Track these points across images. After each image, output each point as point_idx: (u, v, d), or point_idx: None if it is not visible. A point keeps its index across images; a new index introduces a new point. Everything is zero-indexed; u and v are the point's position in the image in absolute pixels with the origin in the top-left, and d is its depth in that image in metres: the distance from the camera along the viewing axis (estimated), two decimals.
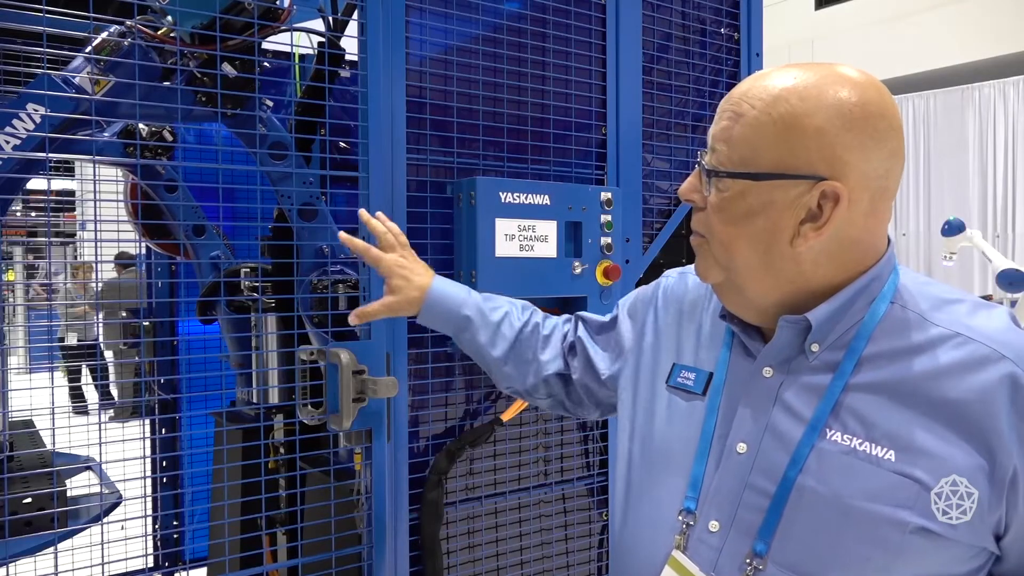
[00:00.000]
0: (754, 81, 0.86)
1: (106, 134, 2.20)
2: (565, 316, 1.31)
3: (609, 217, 1.70)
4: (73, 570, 1.40)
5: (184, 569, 2.77)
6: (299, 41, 1.99)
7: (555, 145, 1.80)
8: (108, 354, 5.55)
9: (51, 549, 1.43)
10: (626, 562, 1.00)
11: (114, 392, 5.35)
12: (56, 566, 1.31)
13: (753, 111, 0.83)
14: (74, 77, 1.58)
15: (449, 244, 1.64)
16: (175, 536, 2.79)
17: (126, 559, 1.54)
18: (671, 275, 1.15)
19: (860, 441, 0.81)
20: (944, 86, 8.62)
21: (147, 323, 2.90)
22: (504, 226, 1.56)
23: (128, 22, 1.61)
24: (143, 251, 2.98)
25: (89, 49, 1.61)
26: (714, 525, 0.88)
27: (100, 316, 4.41)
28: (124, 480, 1.71)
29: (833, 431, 0.82)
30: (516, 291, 1.45)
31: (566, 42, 1.81)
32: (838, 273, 0.86)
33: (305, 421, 1.52)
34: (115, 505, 1.84)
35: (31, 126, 1.49)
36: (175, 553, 2.83)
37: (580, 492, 1.89)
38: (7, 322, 2.97)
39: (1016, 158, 8.14)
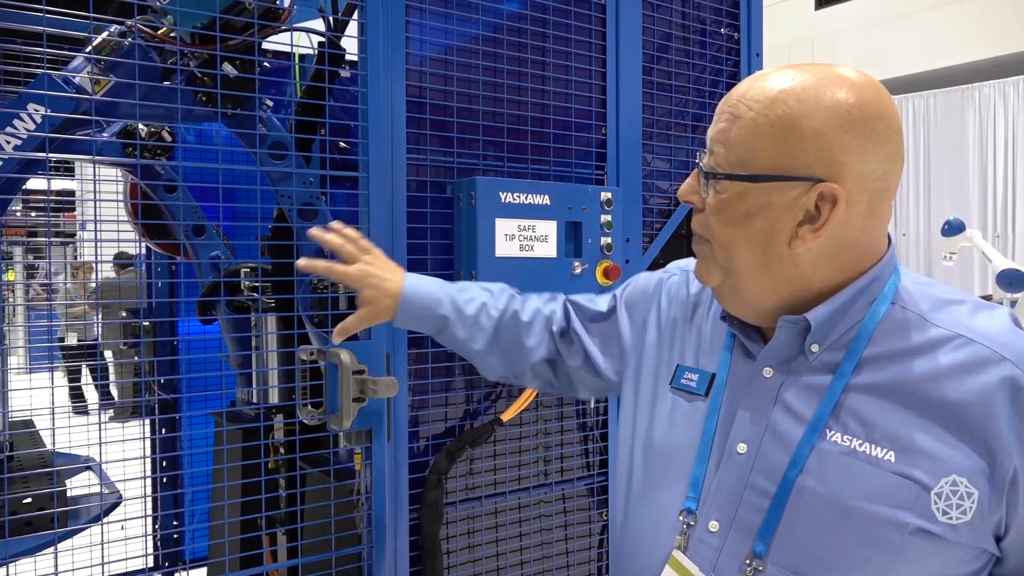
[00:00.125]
0: (752, 82, 0.86)
1: (105, 134, 2.20)
2: (547, 295, 1.27)
3: (609, 217, 1.70)
4: (73, 570, 1.40)
5: (184, 569, 2.77)
6: (299, 41, 1.99)
7: (555, 145, 1.80)
8: (108, 354, 5.54)
9: (51, 549, 1.43)
10: (627, 562, 1.00)
11: (114, 392, 5.35)
12: (56, 566, 1.32)
13: (751, 113, 0.83)
14: (74, 77, 1.58)
15: (449, 244, 1.65)
16: (175, 536, 2.79)
17: (126, 559, 1.54)
18: (674, 272, 1.14)
19: (860, 442, 0.81)
20: (944, 86, 8.63)
21: (147, 323, 2.90)
22: (504, 226, 1.56)
23: (128, 22, 1.61)
24: (143, 251, 2.98)
25: (89, 49, 1.61)
26: (714, 525, 0.88)
27: (99, 316, 4.40)
28: (124, 480, 1.71)
29: (833, 432, 0.82)
30: None
31: (566, 42, 1.81)
32: (837, 274, 0.85)
33: (305, 421, 1.52)
34: (115, 505, 1.84)
35: (32, 126, 1.49)
36: (175, 553, 2.83)
37: (580, 492, 1.89)
38: (7, 322, 2.97)
39: (1016, 158, 8.14)
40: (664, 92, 1.98)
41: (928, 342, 0.82)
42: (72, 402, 6.24)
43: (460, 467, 1.68)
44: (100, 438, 1.39)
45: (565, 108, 1.81)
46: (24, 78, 2.20)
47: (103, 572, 1.37)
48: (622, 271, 1.72)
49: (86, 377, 6.17)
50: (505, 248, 1.58)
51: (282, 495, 2.03)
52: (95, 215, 1.53)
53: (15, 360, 3.82)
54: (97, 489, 1.89)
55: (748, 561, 0.84)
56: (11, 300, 4.54)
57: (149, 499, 2.53)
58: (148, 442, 2.74)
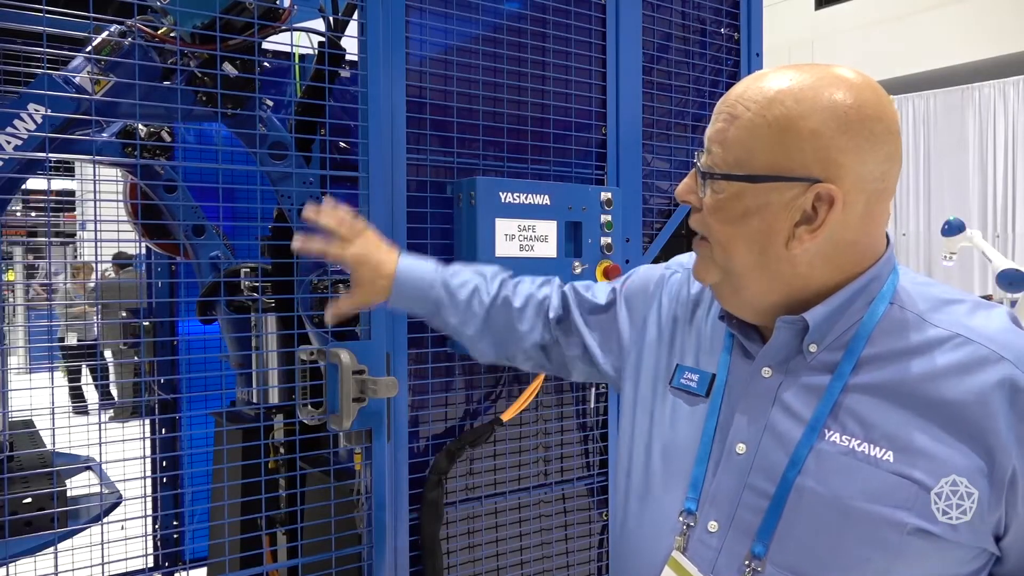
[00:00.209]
0: (750, 83, 0.86)
1: (105, 134, 2.20)
2: (540, 279, 1.27)
3: (609, 217, 1.70)
4: (73, 570, 1.40)
5: (184, 569, 2.77)
6: (299, 41, 1.99)
7: (555, 145, 1.80)
8: (107, 354, 5.54)
9: (51, 549, 1.43)
10: (627, 562, 1.00)
11: (114, 392, 5.35)
12: (56, 566, 1.31)
13: (748, 113, 0.83)
14: (74, 77, 1.58)
15: (449, 244, 1.65)
16: (175, 536, 2.79)
17: (126, 559, 1.54)
18: (676, 269, 1.14)
19: (859, 442, 0.81)
20: (944, 86, 8.63)
21: (147, 323, 2.90)
22: (504, 226, 1.56)
23: (128, 22, 1.61)
24: (143, 251, 2.98)
25: (89, 49, 1.61)
26: (713, 526, 0.88)
27: (99, 316, 4.40)
28: (124, 480, 1.71)
29: (832, 432, 0.82)
30: None
31: (566, 42, 1.81)
32: (835, 274, 0.85)
33: (305, 421, 1.52)
34: (115, 505, 1.84)
35: (32, 126, 1.49)
36: (175, 553, 2.83)
37: (580, 492, 1.89)
38: (7, 322, 2.97)
39: (1016, 158, 8.14)
40: (664, 92, 1.98)
41: (926, 342, 0.82)
42: (72, 402, 6.24)
43: (460, 467, 1.68)
44: (100, 438, 1.39)
45: (565, 108, 1.81)
46: (24, 78, 2.20)
47: (103, 572, 1.37)
48: (622, 271, 1.72)
49: (86, 377, 6.17)
50: (505, 248, 1.58)
51: (282, 495, 2.03)
52: (95, 215, 1.53)
53: (15, 360, 3.82)
54: (97, 489, 1.89)
55: (747, 562, 0.84)
56: (11, 300, 4.54)
57: (149, 499, 2.53)
58: (148, 442, 2.74)
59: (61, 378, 5.96)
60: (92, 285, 5.39)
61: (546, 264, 1.63)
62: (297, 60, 2.12)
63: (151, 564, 2.69)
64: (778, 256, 0.85)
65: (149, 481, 2.62)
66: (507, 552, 1.76)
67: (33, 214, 4.27)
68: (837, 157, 0.80)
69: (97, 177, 1.94)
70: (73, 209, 4.63)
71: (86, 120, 1.61)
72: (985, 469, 0.76)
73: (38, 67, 2.17)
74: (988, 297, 4.82)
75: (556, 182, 1.78)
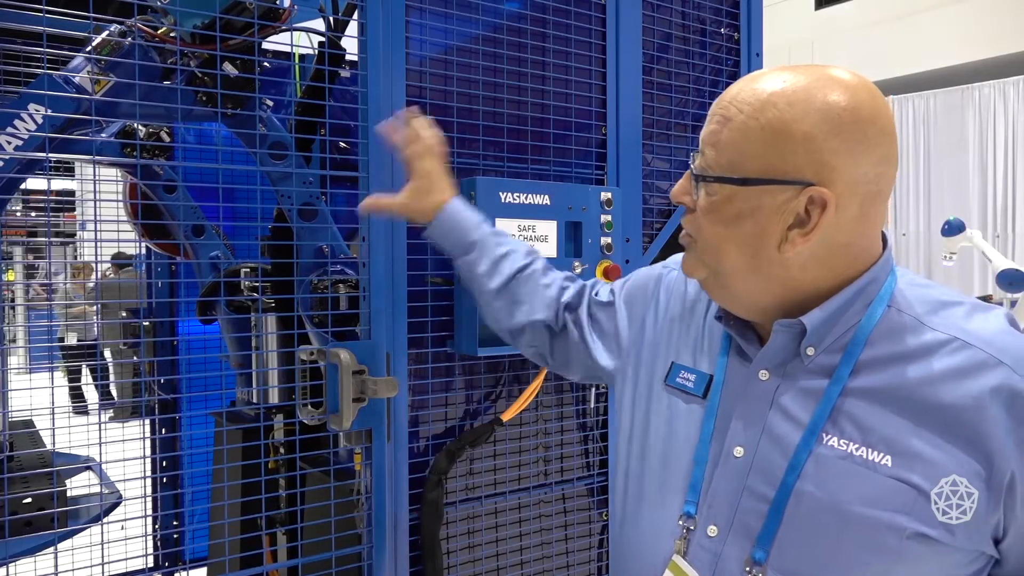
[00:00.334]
0: (744, 84, 0.86)
1: (104, 134, 2.20)
2: (566, 273, 1.30)
3: (609, 217, 1.70)
4: (73, 570, 1.40)
5: (184, 569, 2.77)
6: (299, 41, 1.99)
7: (555, 145, 1.80)
8: (107, 354, 5.54)
9: (51, 549, 1.43)
10: (626, 564, 1.00)
11: (114, 392, 5.35)
12: (56, 566, 1.31)
13: (741, 116, 0.83)
14: (74, 76, 1.58)
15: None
16: (175, 536, 2.79)
17: (126, 559, 1.54)
18: (674, 267, 1.14)
19: (856, 446, 0.81)
20: (944, 86, 8.63)
21: (147, 323, 2.90)
22: (504, 226, 1.56)
23: (128, 21, 1.61)
24: (143, 251, 2.98)
25: (89, 48, 1.61)
26: (712, 530, 0.88)
27: (99, 316, 4.40)
28: (124, 480, 1.72)
29: (830, 436, 0.82)
30: None
31: (566, 42, 1.81)
32: (828, 277, 0.85)
33: (305, 421, 1.52)
34: (115, 505, 1.84)
35: (32, 127, 1.49)
36: (175, 553, 2.83)
37: (580, 492, 1.89)
38: (7, 322, 2.97)
39: (1016, 158, 8.14)
40: (664, 92, 1.98)
41: (924, 346, 0.82)
42: (72, 402, 6.24)
43: (460, 467, 1.68)
44: (100, 438, 1.39)
45: (565, 108, 1.81)
46: (24, 78, 2.20)
47: (103, 572, 1.37)
48: (622, 271, 1.72)
49: (86, 377, 6.17)
50: None
51: (282, 495, 2.03)
52: (95, 215, 1.53)
53: (15, 360, 3.82)
54: (97, 489, 1.89)
55: (748, 569, 0.84)
56: (10, 295, 4.53)
57: (149, 499, 2.53)
58: (148, 442, 2.74)
59: (61, 378, 5.96)
60: (92, 285, 5.39)
61: None
62: (297, 60, 2.12)
63: (151, 564, 2.69)
64: (770, 259, 0.84)
65: (149, 481, 2.62)
66: (507, 552, 1.76)
67: (33, 214, 4.27)
68: (830, 160, 0.80)
69: (97, 177, 1.94)
70: (73, 209, 4.63)
71: (86, 120, 1.61)
72: (983, 473, 0.76)
73: (38, 67, 2.17)
74: (988, 297, 4.83)
75: (556, 182, 1.78)
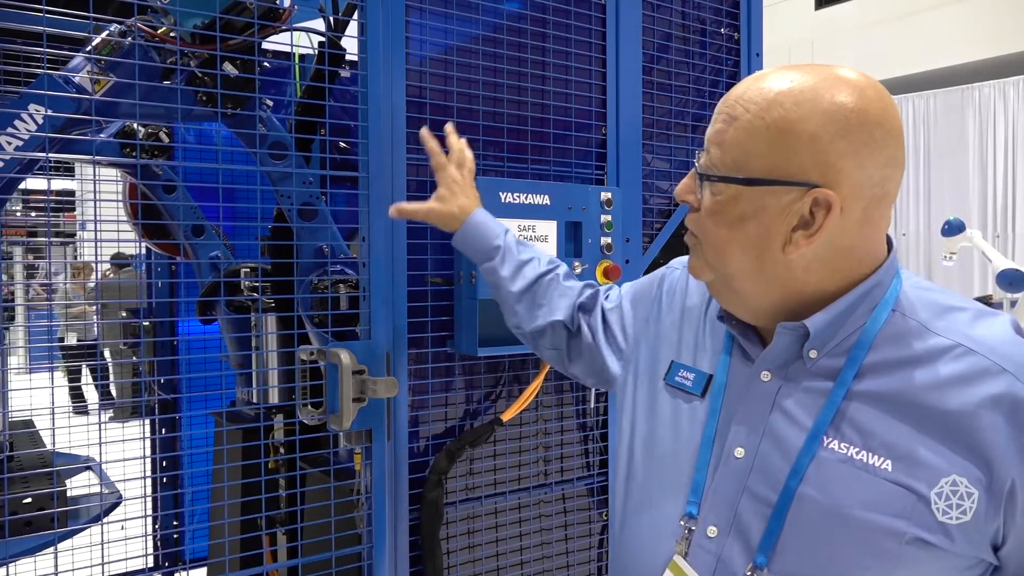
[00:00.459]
0: (750, 83, 0.85)
1: (103, 134, 2.20)
2: (586, 281, 1.33)
3: (609, 217, 1.70)
4: (73, 570, 1.40)
5: (184, 569, 2.77)
6: (299, 41, 1.99)
7: (555, 145, 1.80)
8: (107, 354, 5.54)
9: (51, 549, 1.43)
10: (626, 564, 1.00)
11: (114, 392, 5.35)
12: (56, 566, 1.31)
13: (747, 115, 0.82)
14: (74, 76, 1.58)
15: (449, 244, 1.64)
16: (175, 536, 2.79)
17: (126, 559, 1.54)
18: (677, 267, 1.14)
19: (857, 450, 0.80)
20: (944, 86, 8.63)
21: (147, 323, 2.90)
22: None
23: (128, 21, 1.61)
24: (143, 251, 2.98)
25: (89, 48, 1.61)
26: (712, 531, 0.88)
27: (99, 316, 4.40)
28: (124, 480, 1.72)
29: (831, 439, 0.82)
30: None
31: (566, 42, 1.81)
32: (833, 279, 0.85)
33: (305, 421, 1.52)
34: (115, 505, 1.84)
35: (33, 127, 1.49)
36: (175, 553, 2.83)
37: (580, 492, 1.89)
38: (6, 322, 2.97)
39: (1016, 158, 8.14)
40: (664, 92, 1.98)
41: (928, 351, 0.81)
42: (72, 402, 6.24)
43: (460, 467, 1.68)
44: (100, 438, 1.39)
45: (565, 108, 1.81)
46: (24, 78, 2.20)
47: (103, 572, 1.37)
48: (622, 271, 1.72)
49: (86, 377, 6.17)
50: None
51: (282, 495, 2.03)
52: (95, 215, 1.53)
53: (15, 360, 3.82)
54: (97, 489, 1.89)
55: (749, 572, 0.83)
56: (10, 292, 4.53)
57: (149, 499, 2.53)
58: (148, 442, 2.74)
59: (61, 378, 5.96)
60: (92, 285, 5.39)
61: None
62: (297, 60, 2.12)
63: (151, 564, 2.69)
64: (774, 260, 0.84)
65: (149, 481, 2.62)
66: (507, 552, 1.76)
67: (33, 214, 4.27)
68: (836, 162, 0.79)
69: (97, 177, 1.94)
70: (73, 209, 4.63)
71: (86, 120, 1.61)
72: (984, 480, 0.76)
73: (38, 67, 2.17)
74: (988, 297, 4.83)
75: (556, 182, 1.78)
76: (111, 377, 5.24)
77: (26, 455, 1.85)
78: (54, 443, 1.56)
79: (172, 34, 1.60)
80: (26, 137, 1.48)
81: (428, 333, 1.61)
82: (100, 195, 2.13)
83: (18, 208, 3.99)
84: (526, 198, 1.59)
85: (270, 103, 1.79)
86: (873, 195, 0.81)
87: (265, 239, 1.99)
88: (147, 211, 2.49)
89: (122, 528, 1.65)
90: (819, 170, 0.79)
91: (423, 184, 1.62)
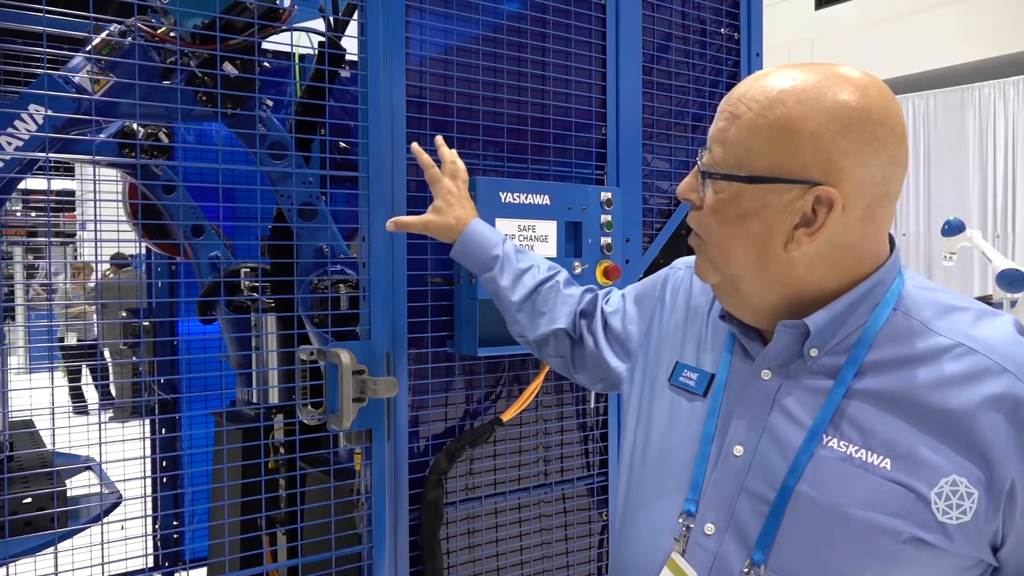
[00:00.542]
0: (753, 82, 0.85)
1: (103, 135, 2.20)
2: (587, 286, 1.33)
3: (609, 217, 1.70)
4: (73, 570, 1.40)
5: (184, 569, 2.77)
6: (299, 41, 1.99)
7: (555, 145, 1.80)
8: (107, 354, 5.55)
9: (51, 549, 1.43)
10: (626, 562, 1.00)
11: (114, 392, 5.35)
12: (56, 566, 1.31)
13: (750, 113, 0.83)
14: (74, 76, 1.58)
15: (448, 244, 1.64)
16: (175, 536, 2.79)
17: (126, 559, 1.54)
18: (680, 267, 1.15)
19: (856, 448, 0.80)
20: (944, 86, 8.62)
21: (147, 323, 2.90)
22: (504, 226, 1.56)
23: (128, 21, 1.61)
24: (143, 251, 2.98)
25: (89, 48, 1.61)
26: (710, 528, 0.88)
27: (99, 316, 4.40)
28: (124, 480, 1.71)
29: (830, 437, 0.82)
30: None
31: (566, 42, 1.81)
32: (835, 278, 0.85)
33: (305, 421, 1.52)
34: (115, 505, 1.84)
35: (33, 127, 1.49)
36: (175, 553, 2.83)
37: (580, 492, 1.89)
38: (6, 322, 2.97)
39: (1016, 158, 8.14)
40: (664, 92, 1.98)
41: (929, 351, 0.81)
42: (72, 402, 6.24)
43: (460, 467, 1.68)
44: (100, 438, 1.39)
45: (565, 108, 1.81)
46: (24, 78, 2.20)
47: (103, 572, 1.37)
48: (622, 271, 1.72)
49: (86, 377, 6.17)
50: None
51: (282, 495, 2.03)
52: (95, 215, 1.53)
53: (15, 360, 3.82)
54: (97, 489, 1.89)
55: (746, 569, 0.84)
56: (13, 299, 4.53)
57: (149, 499, 2.53)
58: (148, 442, 2.74)
59: (61, 378, 5.96)
60: (92, 285, 5.39)
61: None
62: (297, 60, 2.12)
63: (151, 564, 2.69)
64: (776, 258, 0.84)
65: (149, 481, 2.62)
66: (507, 552, 1.76)
67: (33, 214, 4.27)
68: (838, 160, 0.79)
69: (97, 177, 1.94)
70: (73, 209, 4.63)
71: (86, 120, 1.61)
72: (983, 479, 0.76)
73: (38, 67, 2.17)
74: (988, 297, 4.83)
75: (556, 182, 1.78)
76: (111, 377, 5.24)
77: (26, 455, 1.85)
78: (54, 443, 1.56)
79: (172, 34, 1.60)
80: (26, 137, 1.48)
81: (428, 333, 1.61)
82: (100, 195, 2.13)
83: (18, 208, 3.99)
84: (526, 198, 1.59)
85: (270, 103, 1.79)
86: (875, 193, 0.81)
87: (265, 239, 1.99)
88: (147, 211, 2.49)
89: (122, 528, 1.65)
90: (821, 168, 0.80)
91: (423, 184, 1.62)
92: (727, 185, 0.85)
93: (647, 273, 1.88)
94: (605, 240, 1.70)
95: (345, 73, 1.89)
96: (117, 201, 2.63)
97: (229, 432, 2.21)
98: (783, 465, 0.84)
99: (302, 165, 1.72)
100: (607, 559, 1.92)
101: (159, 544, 2.78)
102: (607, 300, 1.26)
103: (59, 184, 4.83)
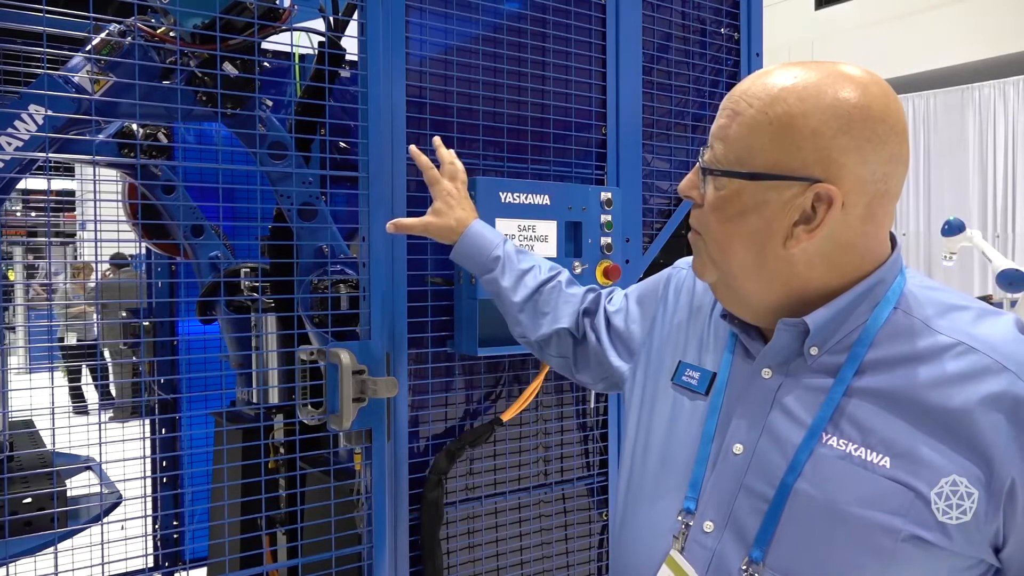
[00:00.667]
0: (755, 79, 0.85)
1: (102, 135, 2.20)
2: (589, 286, 1.33)
3: (609, 217, 1.70)
4: (73, 570, 1.40)
5: (184, 569, 2.77)
6: (299, 41, 1.99)
7: (555, 145, 1.80)
8: (107, 354, 5.55)
9: (51, 549, 1.43)
10: (626, 560, 1.00)
11: (114, 392, 5.35)
12: (56, 566, 1.31)
13: (751, 110, 0.83)
14: (73, 76, 1.58)
15: (448, 244, 1.64)
16: (175, 536, 2.79)
17: (126, 559, 1.54)
18: (683, 267, 1.15)
19: (855, 446, 0.80)
20: (944, 86, 8.63)
21: (147, 323, 2.90)
22: (504, 226, 1.56)
23: (128, 21, 1.61)
24: (143, 251, 2.98)
25: (89, 48, 1.61)
26: (709, 526, 0.88)
27: (99, 316, 4.41)
28: (124, 480, 1.71)
29: (830, 436, 0.82)
30: None
31: (566, 42, 1.81)
32: (834, 275, 0.85)
33: (305, 421, 1.52)
34: (115, 505, 1.84)
35: (33, 127, 1.49)
36: (175, 553, 2.83)
37: (580, 492, 1.89)
38: (7, 322, 2.97)
39: (1016, 158, 8.14)
40: (664, 92, 1.98)
41: (929, 349, 0.81)
42: (72, 402, 6.24)
43: (460, 467, 1.68)
44: (100, 438, 1.39)
45: (565, 108, 1.81)
46: (24, 78, 2.20)
47: (103, 572, 1.37)
48: (622, 271, 1.72)
49: (86, 377, 6.17)
50: None
51: (282, 495, 2.03)
52: (95, 215, 1.53)
53: (15, 360, 3.81)
54: (97, 489, 1.89)
55: (744, 567, 0.84)
56: (13, 299, 4.53)
57: (149, 499, 2.53)
58: (148, 442, 2.74)
59: (61, 378, 5.96)
60: (92, 285, 5.39)
61: None
62: (297, 60, 2.12)
63: (151, 564, 2.69)
64: (776, 255, 0.84)
65: (149, 481, 2.62)
66: (507, 552, 1.76)
67: (33, 214, 4.27)
68: (838, 157, 0.79)
69: (97, 177, 1.94)
70: (73, 209, 4.63)
71: (86, 120, 1.61)
72: (983, 478, 0.76)
73: (38, 67, 2.17)
74: (988, 297, 4.83)
75: (556, 182, 1.78)
76: (111, 377, 5.24)
77: (26, 455, 1.85)
78: (54, 443, 1.56)
79: (172, 34, 1.60)
80: (26, 137, 1.48)
81: (428, 333, 1.61)
82: (100, 195, 2.13)
83: (18, 208, 3.99)
84: (526, 198, 1.59)
85: (270, 103, 1.79)
86: (876, 191, 0.81)
87: (265, 239, 1.99)
88: (147, 211, 2.49)
89: (122, 528, 1.65)
90: (821, 165, 0.80)
91: (423, 184, 1.62)
92: (728, 182, 0.85)
93: (647, 273, 1.88)
94: (605, 240, 1.70)
95: (345, 73, 1.89)
96: (117, 201, 2.63)
97: (229, 432, 2.21)
98: (782, 463, 0.84)
99: (302, 165, 1.72)
100: (607, 559, 1.92)
101: (159, 544, 2.78)
102: (610, 299, 1.26)
103: (59, 184, 4.84)
